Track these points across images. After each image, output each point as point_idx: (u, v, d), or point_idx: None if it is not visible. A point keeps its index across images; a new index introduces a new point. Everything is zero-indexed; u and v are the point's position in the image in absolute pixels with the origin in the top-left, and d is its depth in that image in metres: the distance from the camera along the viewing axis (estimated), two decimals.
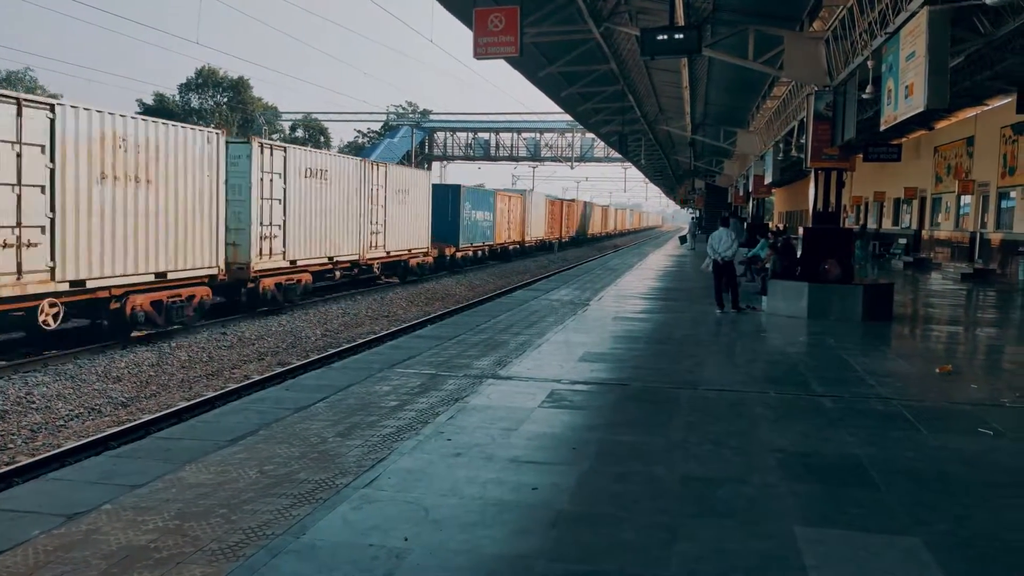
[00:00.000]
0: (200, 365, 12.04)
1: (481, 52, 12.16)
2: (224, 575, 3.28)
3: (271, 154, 16.58)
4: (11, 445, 8.07)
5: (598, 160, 64.89)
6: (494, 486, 4.42)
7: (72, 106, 11.64)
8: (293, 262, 17.45)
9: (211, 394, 10.10)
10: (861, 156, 24.61)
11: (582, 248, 56.08)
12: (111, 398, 9.97)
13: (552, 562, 3.50)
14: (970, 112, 21.95)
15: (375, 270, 22.80)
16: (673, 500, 4.29)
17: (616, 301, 14.46)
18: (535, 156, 66.38)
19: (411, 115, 70.81)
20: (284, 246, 17.07)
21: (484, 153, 66.00)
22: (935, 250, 25.21)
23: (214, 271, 14.84)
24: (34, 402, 9.52)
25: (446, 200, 29.78)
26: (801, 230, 13.60)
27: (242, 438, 5.28)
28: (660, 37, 11.84)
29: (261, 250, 16.26)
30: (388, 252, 22.95)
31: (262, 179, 16.25)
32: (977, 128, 21.80)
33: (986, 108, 21.01)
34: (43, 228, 11.14)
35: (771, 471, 4.79)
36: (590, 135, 52.42)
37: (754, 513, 4.09)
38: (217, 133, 15.03)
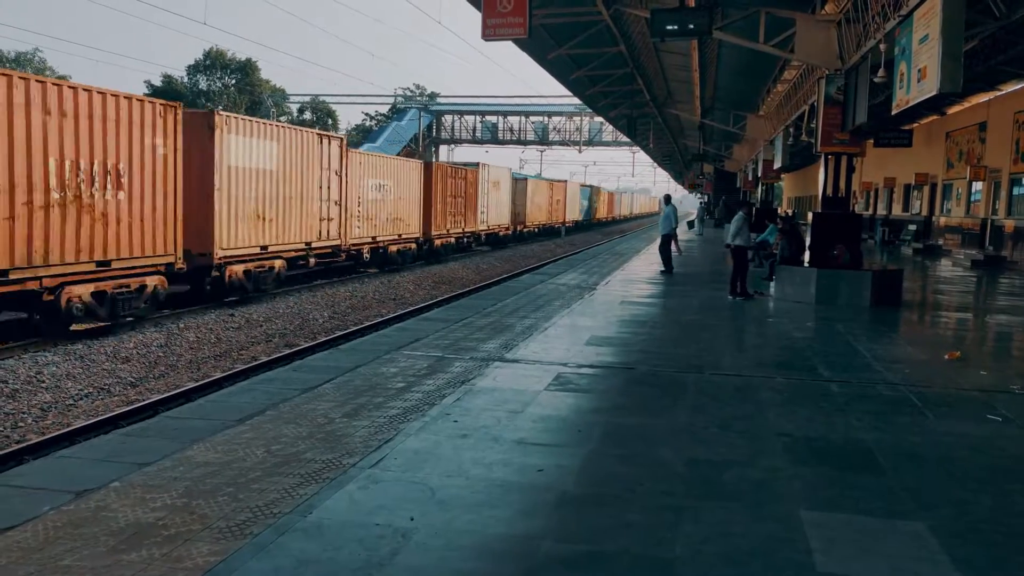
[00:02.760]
0: (208, 346, 12.09)
1: (490, 33, 12.07)
2: (231, 553, 3.31)
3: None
4: (22, 424, 8.14)
5: (606, 144, 64.63)
6: (500, 467, 4.43)
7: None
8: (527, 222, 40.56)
9: (219, 375, 10.15)
10: (872, 141, 24.42)
11: None
12: (120, 378, 10.03)
13: (557, 543, 3.51)
14: (983, 97, 21.73)
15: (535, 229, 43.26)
16: (678, 483, 4.29)
17: (623, 286, 14.43)
18: (543, 140, 66.13)
19: (419, 98, 70.53)
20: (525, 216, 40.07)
21: (492, 136, 65.78)
22: (945, 236, 25.05)
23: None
24: (44, 381, 9.59)
25: None
26: (810, 215, 13.53)
27: (249, 418, 5.31)
28: (670, 19, 11.76)
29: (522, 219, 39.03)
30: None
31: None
32: (990, 114, 21.58)
33: (999, 93, 20.80)
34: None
35: (777, 455, 4.79)
36: (598, 119, 52.21)
37: (760, 496, 4.09)
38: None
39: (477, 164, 32.26)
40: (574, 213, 54.41)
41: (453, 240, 28.84)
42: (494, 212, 34.07)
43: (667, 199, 17.60)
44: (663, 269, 16.37)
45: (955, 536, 3.66)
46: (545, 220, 45.81)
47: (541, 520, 3.77)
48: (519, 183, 40.46)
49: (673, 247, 16.37)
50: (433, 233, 26.54)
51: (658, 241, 17.31)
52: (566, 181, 53.84)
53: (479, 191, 31.56)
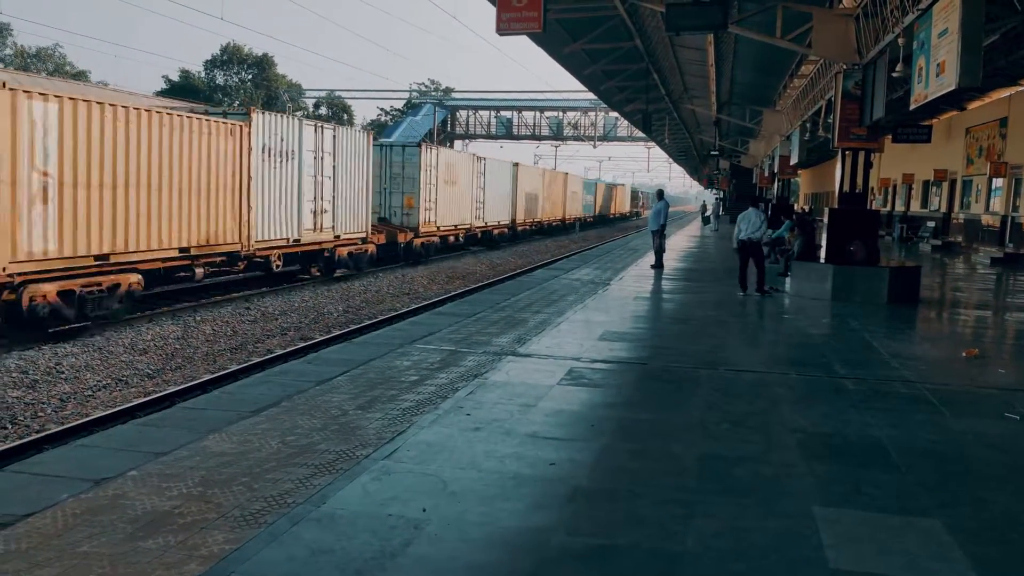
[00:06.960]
0: (224, 339, 12.19)
1: (504, 28, 12.02)
2: (246, 541, 3.34)
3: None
4: (41, 414, 8.25)
5: (621, 139, 64.43)
6: (512, 460, 4.45)
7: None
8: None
9: (235, 367, 10.23)
10: (890, 137, 24.15)
11: None
12: (138, 370, 10.14)
13: (569, 536, 3.52)
14: (1004, 92, 21.44)
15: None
16: (691, 478, 4.29)
17: (636, 281, 14.40)
18: (558, 135, 66.02)
19: (433, 93, 70.61)
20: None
21: (506, 132, 65.73)
22: (964, 233, 24.78)
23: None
24: (63, 372, 9.71)
25: None
26: (827, 211, 13.42)
27: (264, 409, 5.35)
28: (686, 13, 11.69)
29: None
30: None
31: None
32: (1011, 109, 21.29)
33: (1021, 88, 20.52)
34: None
35: (790, 451, 4.77)
36: (613, 114, 52.10)
37: (772, 492, 4.08)
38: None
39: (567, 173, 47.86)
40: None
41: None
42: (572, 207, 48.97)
43: (659, 194, 17.26)
44: (653, 263, 16.28)
45: (972, 534, 3.63)
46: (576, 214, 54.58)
47: (553, 513, 3.78)
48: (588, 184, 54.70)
49: (655, 242, 16.29)
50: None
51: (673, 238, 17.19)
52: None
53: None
